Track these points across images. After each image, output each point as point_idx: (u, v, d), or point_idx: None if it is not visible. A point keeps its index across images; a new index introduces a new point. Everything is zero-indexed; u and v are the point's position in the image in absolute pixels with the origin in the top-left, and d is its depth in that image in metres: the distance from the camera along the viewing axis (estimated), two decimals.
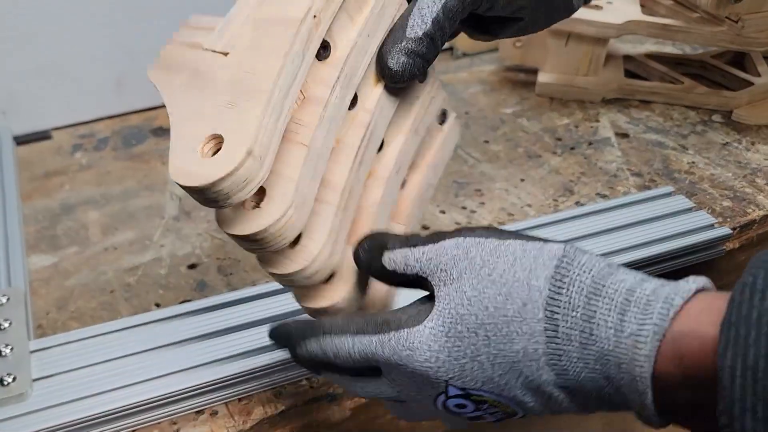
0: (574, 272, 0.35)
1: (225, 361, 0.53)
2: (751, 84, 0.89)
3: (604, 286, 0.34)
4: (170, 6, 0.89)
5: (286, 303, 0.57)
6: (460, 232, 0.39)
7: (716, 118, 0.89)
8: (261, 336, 0.54)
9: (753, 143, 0.83)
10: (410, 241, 0.41)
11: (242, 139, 0.36)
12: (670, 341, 0.32)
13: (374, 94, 0.43)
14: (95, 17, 0.86)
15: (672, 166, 0.80)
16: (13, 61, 0.85)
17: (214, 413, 0.52)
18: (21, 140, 0.88)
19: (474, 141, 0.85)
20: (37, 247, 0.71)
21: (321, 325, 0.41)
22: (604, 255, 0.61)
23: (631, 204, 0.69)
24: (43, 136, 0.89)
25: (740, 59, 0.94)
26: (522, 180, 0.78)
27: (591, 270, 0.35)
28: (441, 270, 0.38)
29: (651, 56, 0.96)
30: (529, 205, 0.74)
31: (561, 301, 0.34)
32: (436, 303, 0.38)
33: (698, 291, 0.34)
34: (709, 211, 0.71)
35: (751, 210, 0.72)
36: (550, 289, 0.35)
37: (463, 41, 1.03)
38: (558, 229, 0.66)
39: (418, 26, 0.41)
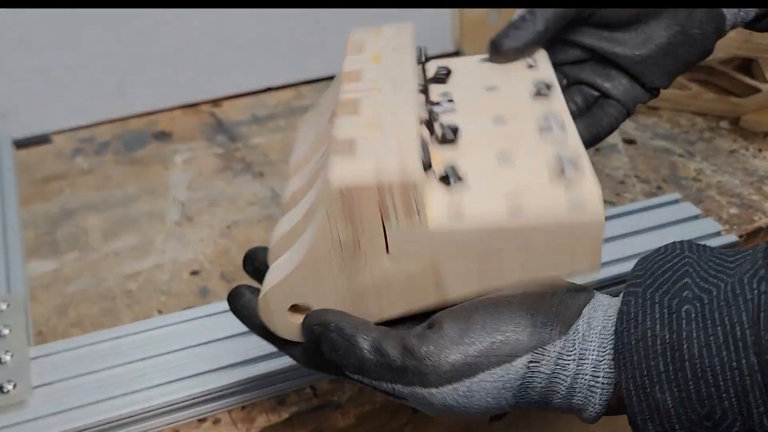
0: (534, 385, 0.37)
1: (228, 368, 0.52)
2: (758, 91, 0.88)
3: (554, 391, 0.36)
4: (170, 8, 0.88)
5: None
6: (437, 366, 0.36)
7: (723, 124, 0.88)
8: (264, 343, 0.54)
9: (760, 150, 0.83)
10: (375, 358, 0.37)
11: None
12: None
13: None
14: (96, 19, 0.86)
15: (679, 173, 0.79)
16: (13, 63, 0.84)
17: (216, 421, 0.52)
18: (21, 144, 0.87)
19: None
20: (37, 252, 0.70)
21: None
22: (611, 263, 0.62)
23: (638, 211, 0.69)
24: (43, 139, 0.88)
25: (748, 66, 0.94)
26: None
27: (547, 380, 0.36)
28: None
29: None
30: None
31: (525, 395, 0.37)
32: None
33: None
34: (716, 218, 0.70)
35: (758, 217, 0.72)
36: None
37: None
38: None
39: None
